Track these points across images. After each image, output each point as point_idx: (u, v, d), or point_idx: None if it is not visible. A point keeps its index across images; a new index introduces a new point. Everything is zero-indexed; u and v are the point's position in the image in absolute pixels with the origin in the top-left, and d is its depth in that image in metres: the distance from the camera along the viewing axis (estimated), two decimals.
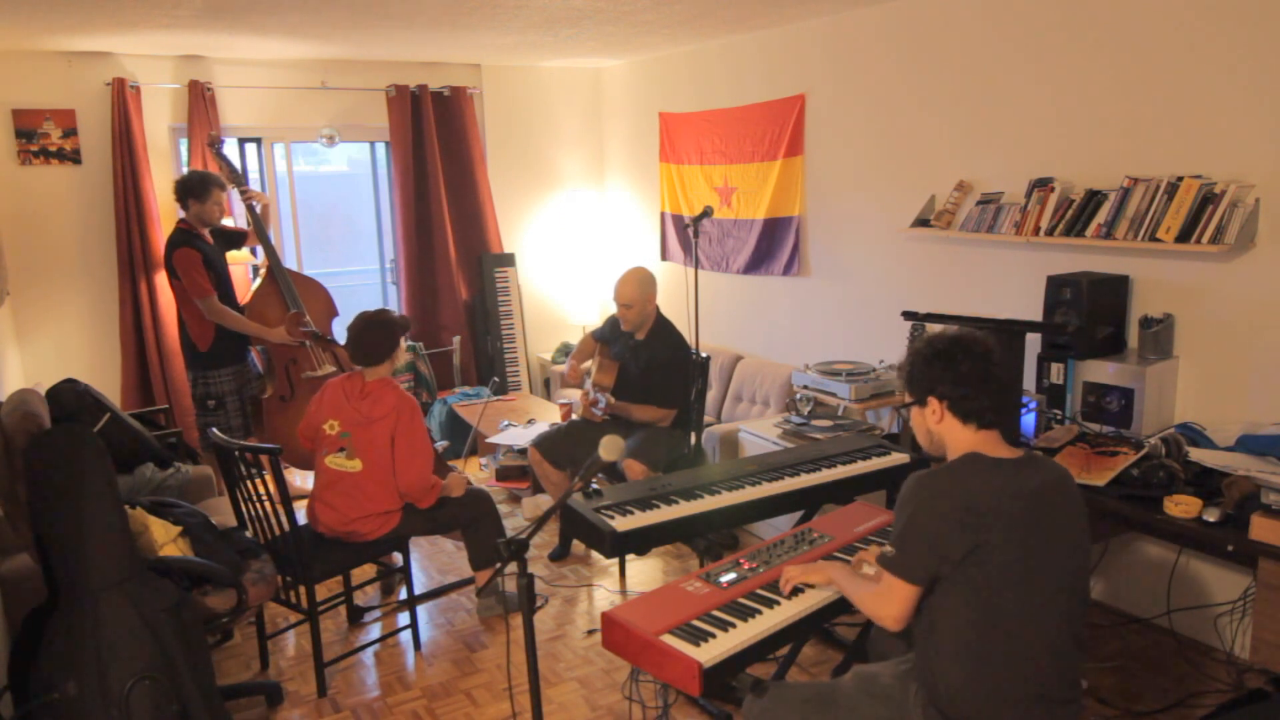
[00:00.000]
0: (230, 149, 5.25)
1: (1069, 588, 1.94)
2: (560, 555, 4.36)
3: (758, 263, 5.36)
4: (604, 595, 4.00)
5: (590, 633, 3.63)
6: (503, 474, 5.26)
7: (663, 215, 6.18)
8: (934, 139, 4.21)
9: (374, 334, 3.40)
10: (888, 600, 1.98)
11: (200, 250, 4.42)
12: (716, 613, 2.28)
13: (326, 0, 3.94)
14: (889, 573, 1.97)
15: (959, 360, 1.99)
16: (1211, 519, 2.58)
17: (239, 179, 4.91)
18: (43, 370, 5.16)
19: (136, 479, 3.77)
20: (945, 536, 1.88)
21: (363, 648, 3.58)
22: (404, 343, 3.54)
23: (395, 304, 6.34)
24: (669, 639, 2.15)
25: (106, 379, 5.28)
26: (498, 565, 3.39)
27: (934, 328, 4.15)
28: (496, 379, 6.26)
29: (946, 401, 2.01)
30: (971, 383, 1.98)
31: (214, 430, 3.49)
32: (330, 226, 8.43)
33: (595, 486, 3.10)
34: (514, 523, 4.69)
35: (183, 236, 4.44)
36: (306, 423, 3.50)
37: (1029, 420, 3.38)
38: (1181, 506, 2.64)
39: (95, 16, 4.15)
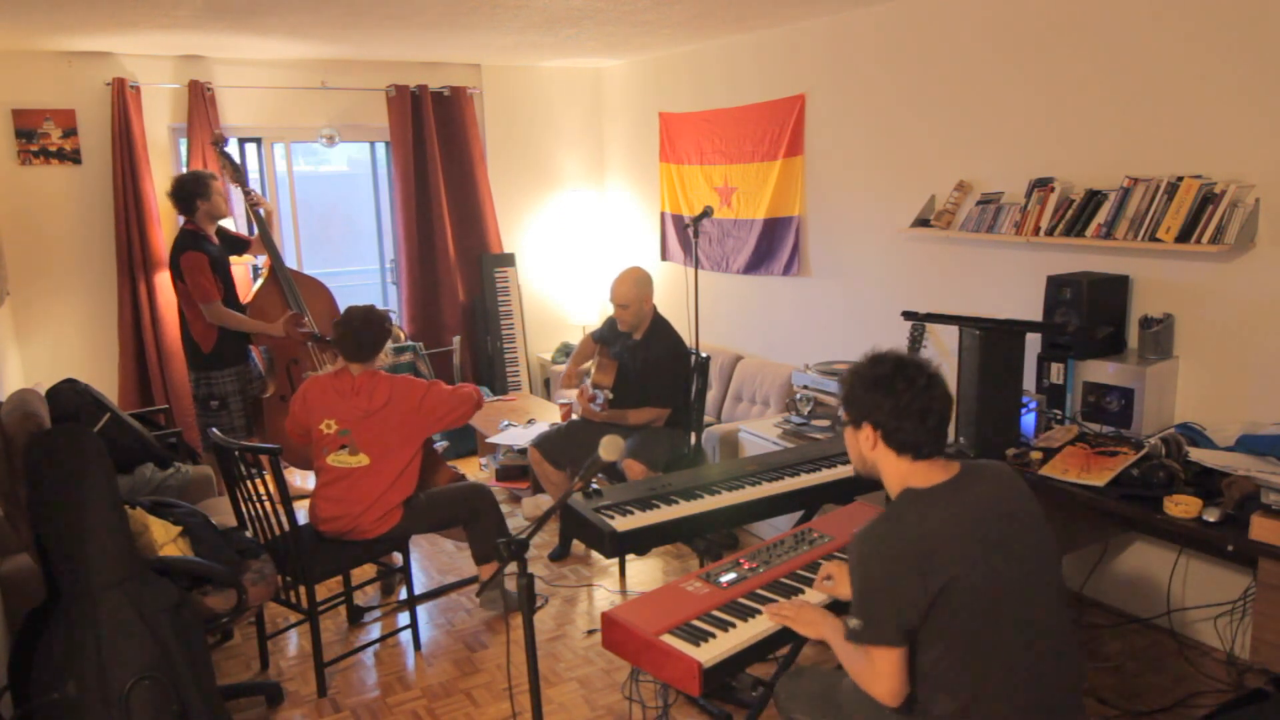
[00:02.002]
0: (230, 149, 5.25)
1: (1047, 590, 1.88)
2: (560, 555, 4.37)
3: (758, 263, 5.36)
4: (604, 595, 4.00)
5: (590, 633, 3.63)
6: (503, 474, 5.27)
7: (663, 215, 6.18)
8: (934, 139, 4.21)
9: (370, 329, 3.41)
10: (875, 675, 1.86)
11: (208, 253, 4.42)
12: (716, 613, 2.27)
13: (326, 0, 3.94)
14: (864, 645, 1.85)
15: (899, 390, 1.89)
16: (1211, 519, 2.58)
17: (243, 179, 4.92)
18: (42, 370, 5.16)
19: (136, 479, 3.77)
20: (904, 591, 1.79)
21: (363, 648, 3.58)
22: (389, 343, 3.56)
23: (395, 304, 6.34)
24: (669, 639, 2.15)
25: (106, 379, 5.28)
26: (499, 561, 3.39)
27: (934, 328, 4.17)
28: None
29: (881, 431, 1.92)
30: (910, 416, 1.88)
31: (214, 430, 3.50)
32: (330, 226, 8.43)
33: (595, 486, 3.10)
34: (514, 523, 4.69)
35: (190, 239, 4.44)
36: (293, 420, 3.50)
37: (1029, 420, 3.39)
38: (1181, 506, 2.64)
39: (95, 16, 4.15)
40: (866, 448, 1.97)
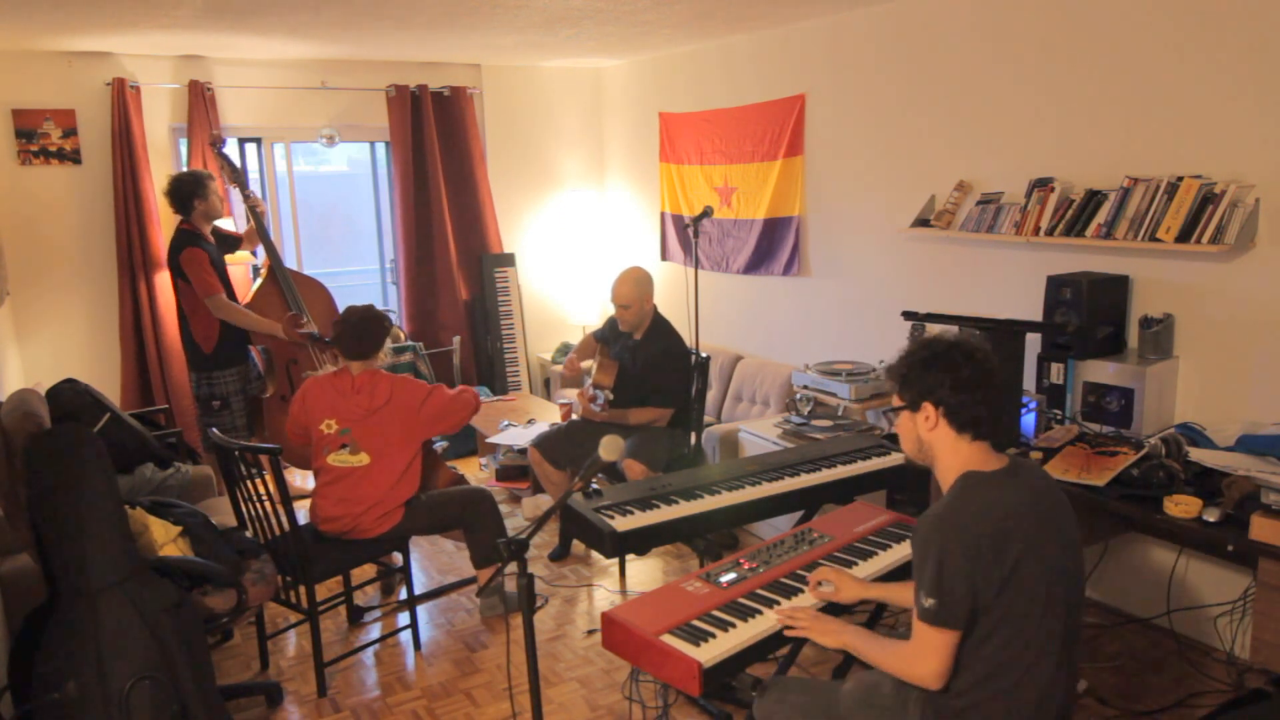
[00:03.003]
0: (230, 149, 5.26)
1: (1073, 590, 1.92)
2: (560, 555, 4.37)
3: (758, 263, 5.36)
4: (604, 595, 4.00)
5: (590, 633, 3.63)
6: (503, 474, 5.27)
7: (663, 215, 6.18)
8: (934, 139, 4.21)
9: (371, 327, 3.41)
10: (926, 655, 1.83)
11: (206, 250, 4.43)
12: (716, 613, 2.27)
13: (326, 0, 3.94)
14: (931, 626, 1.82)
15: (960, 365, 1.89)
16: (1211, 519, 2.58)
17: (242, 180, 4.92)
18: (43, 370, 5.16)
19: (136, 479, 3.77)
20: (984, 570, 1.78)
21: (363, 648, 3.58)
22: (388, 342, 3.56)
23: (395, 304, 6.34)
24: (669, 639, 2.15)
25: (106, 379, 5.28)
26: (499, 564, 3.39)
27: (934, 328, 4.16)
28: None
29: (943, 408, 1.91)
30: (972, 390, 1.88)
31: (214, 430, 3.50)
32: (330, 226, 8.43)
33: (595, 486, 3.10)
34: (514, 523, 4.69)
35: (188, 237, 4.45)
36: (293, 421, 3.50)
37: (1029, 420, 3.38)
38: (1181, 506, 2.64)
39: (95, 16, 4.15)
40: (925, 429, 1.96)
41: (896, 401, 2.02)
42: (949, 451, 1.95)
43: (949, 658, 1.83)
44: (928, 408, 1.94)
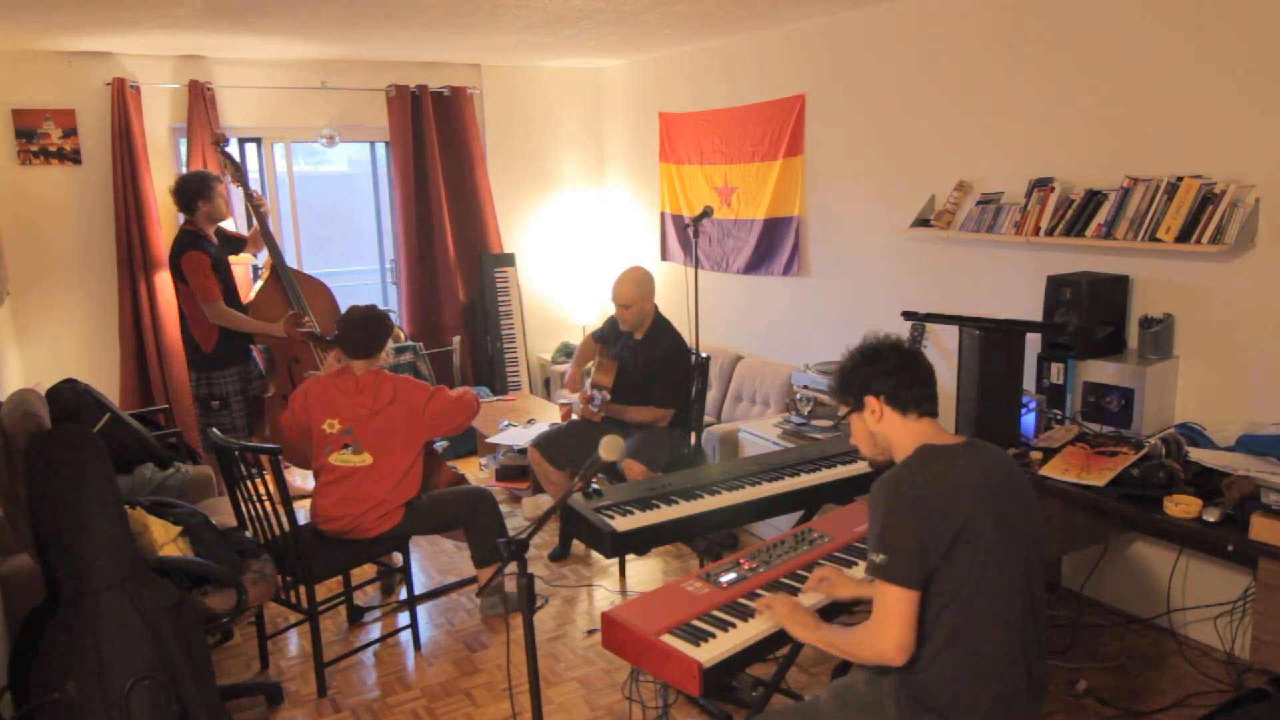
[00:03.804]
0: (230, 149, 5.26)
1: (1040, 559, 1.96)
2: (560, 555, 4.37)
3: (758, 263, 5.36)
4: (604, 595, 4.00)
5: (590, 633, 3.63)
6: (503, 474, 5.27)
7: (663, 215, 6.18)
8: (934, 139, 4.21)
9: (374, 327, 3.41)
10: (886, 624, 1.85)
11: (208, 253, 4.43)
12: (716, 613, 2.27)
13: (326, 0, 3.94)
14: (884, 580, 1.85)
15: (886, 354, 2.04)
16: (1211, 519, 2.58)
17: (244, 179, 4.92)
18: (43, 370, 5.16)
19: (136, 479, 3.77)
20: (930, 527, 1.83)
21: (363, 648, 3.58)
22: (390, 343, 3.56)
23: (395, 304, 6.34)
24: (669, 639, 2.15)
25: (106, 379, 5.28)
26: (499, 564, 3.39)
27: (934, 328, 4.17)
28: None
29: (883, 396, 2.02)
30: (904, 371, 2.01)
31: (214, 430, 3.49)
32: (330, 226, 8.43)
33: (595, 486, 3.10)
34: (514, 523, 4.69)
35: (190, 239, 4.44)
36: (292, 418, 3.50)
37: (1029, 420, 3.38)
38: (1181, 506, 2.64)
39: (95, 16, 4.15)
40: (874, 423, 2.05)
41: (843, 410, 2.12)
42: (901, 434, 2.03)
43: (909, 623, 1.85)
44: (870, 400, 2.05)
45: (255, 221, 4.86)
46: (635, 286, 4.20)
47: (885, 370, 2.02)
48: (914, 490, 1.88)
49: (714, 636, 2.16)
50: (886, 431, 2.04)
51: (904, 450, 2.01)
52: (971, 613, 1.86)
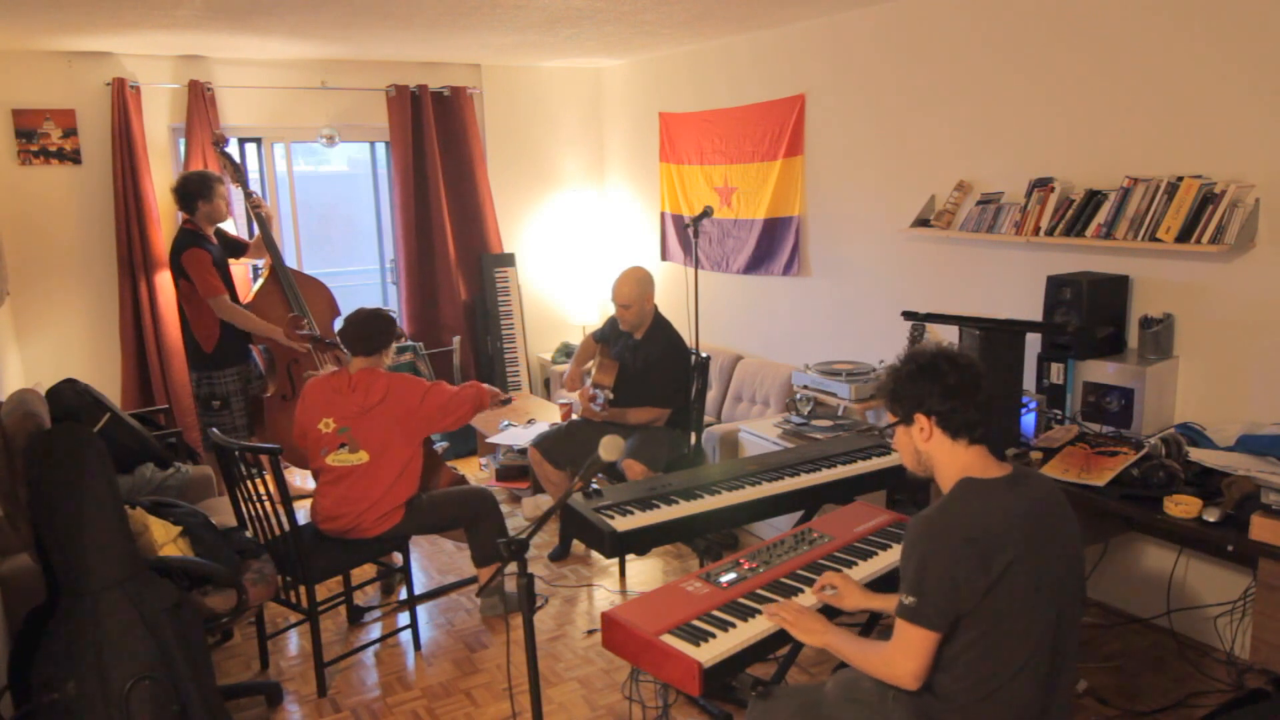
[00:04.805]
0: (231, 149, 5.26)
1: (1078, 591, 1.91)
2: (560, 555, 4.37)
3: (758, 263, 5.36)
4: (604, 595, 4.00)
5: (590, 633, 3.63)
6: (503, 474, 5.27)
7: (663, 215, 6.18)
8: (934, 139, 4.21)
9: (378, 324, 3.42)
10: (904, 655, 1.84)
11: (208, 251, 4.43)
12: (716, 613, 2.27)
13: (326, 0, 3.94)
14: (910, 624, 1.83)
15: (945, 373, 1.93)
16: (1211, 519, 2.58)
17: (244, 179, 4.92)
18: (43, 370, 5.16)
19: (136, 479, 3.77)
20: (967, 574, 1.78)
21: (363, 648, 3.58)
22: (393, 345, 3.56)
23: (395, 304, 6.34)
24: (669, 639, 2.15)
25: (106, 379, 5.28)
26: (499, 564, 3.39)
27: (934, 328, 4.17)
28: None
29: (935, 417, 1.94)
30: (960, 395, 1.91)
31: (214, 430, 3.49)
32: (330, 226, 8.42)
33: (595, 486, 3.10)
34: (514, 523, 4.69)
35: (190, 238, 4.45)
36: (297, 425, 3.50)
37: (1029, 420, 3.38)
38: (1181, 506, 2.64)
39: (95, 16, 4.15)
40: (921, 440, 1.98)
41: (890, 418, 2.04)
42: (947, 459, 1.96)
43: (927, 658, 1.84)
44: (920, 419, 1.96)
45: (257, 229, 4.85)
46: (635, 287, 4.20)
47: (943, 391, 1.92)
48: (953, 538, 1.81)
49: (714, 636, 2.16)
50: (932, 452, 1.97)
51: (946, 477, 1.96)
52: (996, 659, 1.83)
